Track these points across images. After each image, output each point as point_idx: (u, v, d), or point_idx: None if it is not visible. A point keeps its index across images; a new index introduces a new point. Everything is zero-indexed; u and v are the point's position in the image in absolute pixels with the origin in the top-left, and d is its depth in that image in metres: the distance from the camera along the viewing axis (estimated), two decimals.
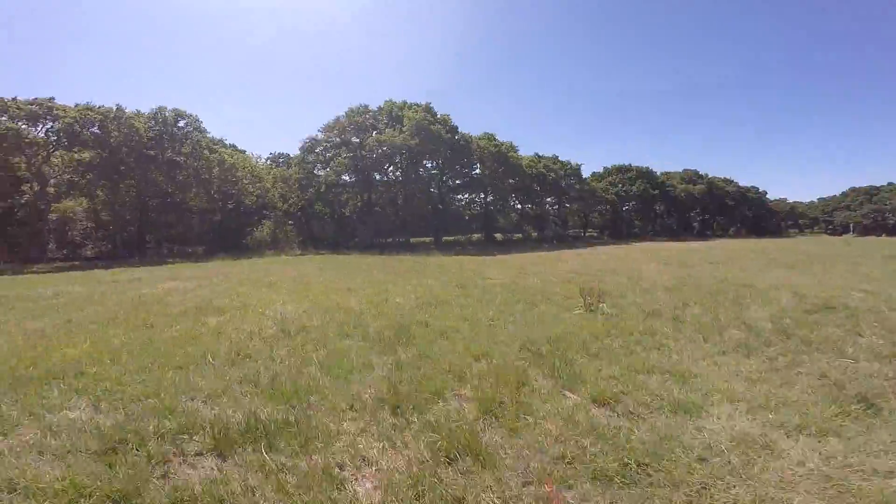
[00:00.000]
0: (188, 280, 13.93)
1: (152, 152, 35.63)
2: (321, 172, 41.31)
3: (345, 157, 39.71)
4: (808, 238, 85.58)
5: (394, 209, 42.30)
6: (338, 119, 41.19)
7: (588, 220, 69.68)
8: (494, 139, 45.97)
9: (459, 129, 43.10)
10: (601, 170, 73.04)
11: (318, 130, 41.42)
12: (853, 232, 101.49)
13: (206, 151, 37.56)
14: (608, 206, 70.23)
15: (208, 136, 40.75)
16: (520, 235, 55.48)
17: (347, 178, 42.23)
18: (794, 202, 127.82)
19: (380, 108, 43.29)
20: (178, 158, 36.80)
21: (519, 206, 55.76)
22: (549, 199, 59.89)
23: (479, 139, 44.82)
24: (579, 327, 6.55)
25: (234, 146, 50.68)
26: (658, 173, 75.99)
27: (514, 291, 9.99)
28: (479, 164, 45.91)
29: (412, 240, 45.42)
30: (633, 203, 74.01)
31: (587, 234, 67.88)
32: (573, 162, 57.00)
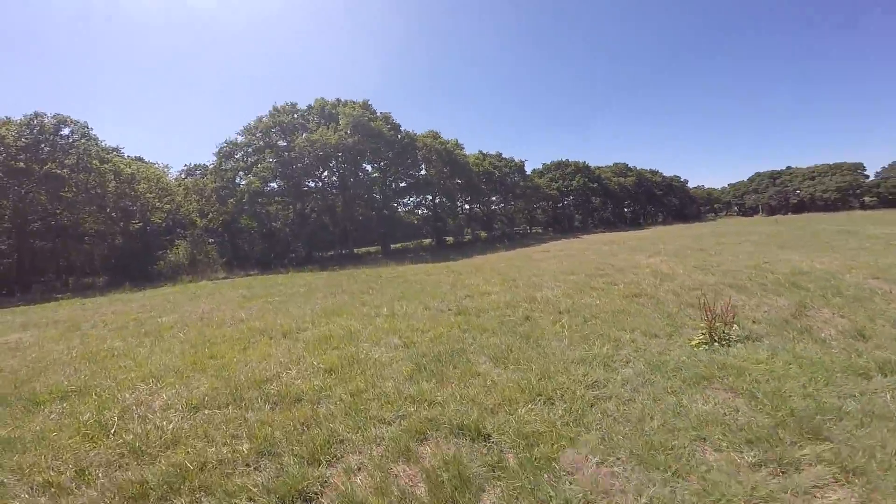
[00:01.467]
0: (47, 328, 9.41)
1: (23, 165, 28.67)
2: (243, 181, 35.80)
3: (270, 162, 34.70)
4: (729, 220, 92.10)
5: (332, 218, 37.81)
6: (260, 119, 36.08)
7: (533, 217, 69.06)
8: (439, 137, 43.00)
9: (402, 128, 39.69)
10: (540, 166, 73.15)
11: (238, 133, 36.05)
12: (762, 212, 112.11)
13: (95, 162, 30.96)
14: (550, 202, 70.25)
15: (100, 144, 34.00)
16: (469, 237, 53.09)
17: (276, 185, 37.13)
18: (710, 188, 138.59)
19: (310, 108, 38.64)
20: (59, 171, 29.97)
21: (467, 206, 53.31)
22: (494, 198, 58.23)
23: (424, 137, 41.62)
24: (778, 382, 3.62)
25: (140, 158, 43.41)
26: (592, 167, 77.53)
27: (539, 312, 6.90)
28: (424, 165, 42.63)
29: (357, 250, 41.21)
30: (572, 197, 74.84)
31: (533, 231, 67.16)
32: (517, 158, 55.65)
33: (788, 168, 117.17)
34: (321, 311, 8.75)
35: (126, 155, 39.79)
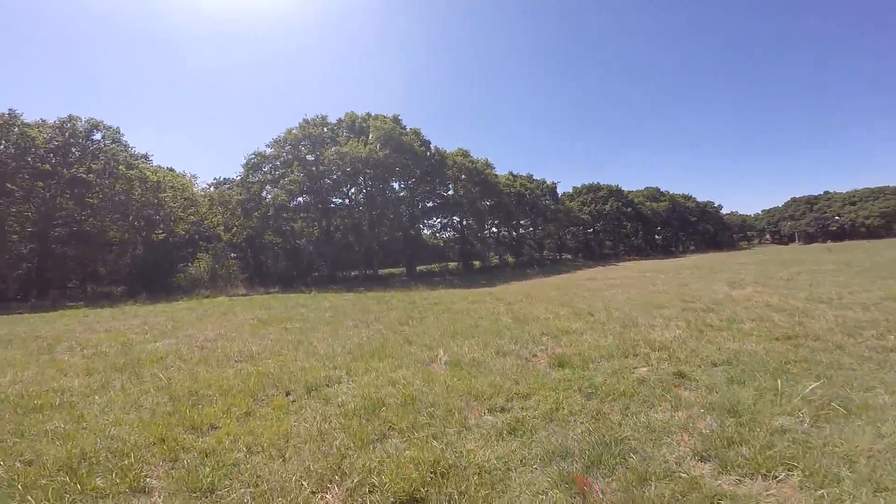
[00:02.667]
0: (20, 345, 7.63)
1: (49, 167, 28.06)
2: (269, 195, 34.58)
3: (298, 175, 33.46)
4: (765, 248, 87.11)
5: (357, 237, 36.16)
6: (290, 131, 35.15)
7: (563, 243, 66.28)
8: (469, 155, 41.45)
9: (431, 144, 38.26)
10: (570, 189, 70.92)
11: (266, 145, 35.13)
12: (798, 240, 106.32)
13: (122, 167, 30.26)
14: (580, 227, 67.56)
15: (130, 150, 33.53)
16: (496, 261, 50.74)
17: (302, 200, 35.88)
18: (743, 215, 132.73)
19: (340, 121, 37.69)
20: (86, 176, 29.27)
21: (494, 229, 51.17)
22: (522, 222, 56.00)
23: (455, 155, 40.08)
24: None
25: (171, 169, 43.02)
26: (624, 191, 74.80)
27: (685, 364, 4.66)
28: (452, 184, 40.87)
29: (381, 271, 39.39)
30: (603, 223, 71.95)
31: (563, 258, 64.33)
32: (548, 180, 53.60)
33: (826, 193, 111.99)
34: (356, 350, 6.68)
35: (156, 164, 39.38)
